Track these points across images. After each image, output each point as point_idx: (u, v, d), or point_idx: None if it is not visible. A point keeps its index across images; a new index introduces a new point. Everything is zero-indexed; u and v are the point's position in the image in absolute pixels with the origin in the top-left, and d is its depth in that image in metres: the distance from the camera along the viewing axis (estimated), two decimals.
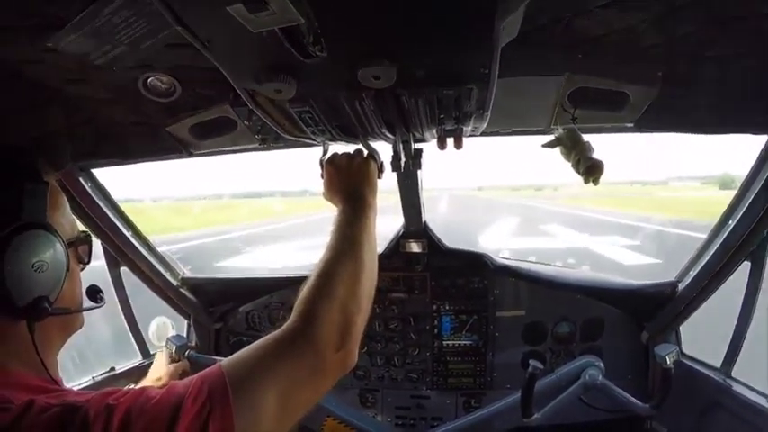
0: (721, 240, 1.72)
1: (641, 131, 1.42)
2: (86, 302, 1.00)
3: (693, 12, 0.98)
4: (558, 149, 1.31)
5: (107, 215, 1.93)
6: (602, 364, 1.95)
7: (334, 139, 1.23)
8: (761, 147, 1.46)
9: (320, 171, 1.25)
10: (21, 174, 0.82)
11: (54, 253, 0.84)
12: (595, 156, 1.26)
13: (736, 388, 1.76)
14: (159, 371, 1.82)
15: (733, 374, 1.83)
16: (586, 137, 1.29)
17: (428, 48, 0.83)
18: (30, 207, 0.81)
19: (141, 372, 2.16)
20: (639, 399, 1.95)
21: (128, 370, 2.21)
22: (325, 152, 1.27)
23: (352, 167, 1.18)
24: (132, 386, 1.57)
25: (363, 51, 0.82)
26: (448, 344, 2.47)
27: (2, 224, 0.77)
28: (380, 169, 1.23)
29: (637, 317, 2.31)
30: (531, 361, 1.85)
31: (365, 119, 1.07)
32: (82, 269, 0.99)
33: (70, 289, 0.91)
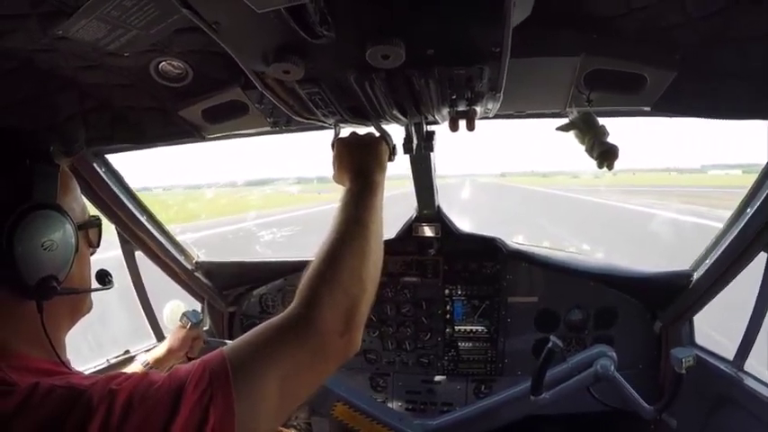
0: (738, 230, 1.67)
1: (658, 115, 1.38)
2: (96, 287, 1.01)
3: None
4: (572, 133, 1.29)
5: (121, 199, 1.96)
6: (615, 355, 1.93)
7: (345, 121, 1.22)
8: None
9: (332, 153, 1.22)
10: (32, 156, 0.83)
11: (64, 233, 0.85)
12: (610, 140, 1.23)
13: (748, 382, 1.73)
14: (172, 343, 1.79)
15: (746, 368, 1.80)
16: (602, 120, 1.26)
17: (437, 25, 0.81)
18: (41, 188, 0.82)
19: None
20: (648, 391, 1.93)
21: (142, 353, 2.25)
22: (336, 135, 1.25)
23: (363, 145, 1.16)
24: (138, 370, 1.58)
25: (371, 30, 0.81)
26: (459, 329, 2.48)
27: (13, 204, 0.78)
28: (392, 152, 1.21)
29: (650, 306, 2.29)
30: (551, 337, 1.83)
31: (376, 100, 1.06)
32: (92, 253, 1.00)
33: (79, 271, 0.92)
